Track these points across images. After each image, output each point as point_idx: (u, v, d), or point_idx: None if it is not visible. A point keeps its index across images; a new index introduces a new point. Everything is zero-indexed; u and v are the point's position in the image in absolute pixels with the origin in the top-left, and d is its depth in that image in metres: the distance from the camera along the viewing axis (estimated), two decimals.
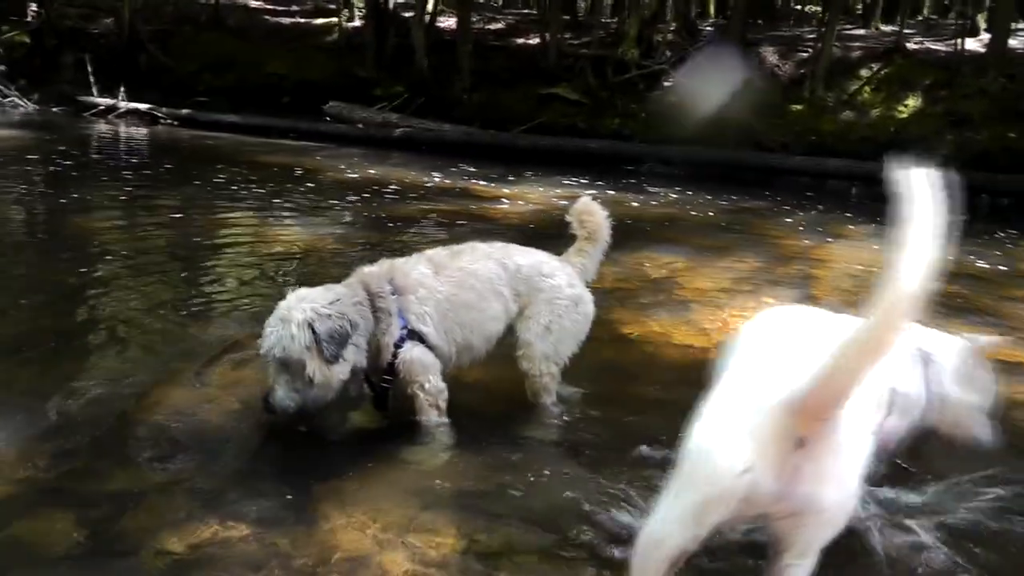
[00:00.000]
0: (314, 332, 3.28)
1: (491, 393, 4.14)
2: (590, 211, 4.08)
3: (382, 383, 3.62)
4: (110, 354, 4.43)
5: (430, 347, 3.59)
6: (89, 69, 16.10)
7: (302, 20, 21.31)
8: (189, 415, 3.71)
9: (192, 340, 4.65)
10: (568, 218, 4.11)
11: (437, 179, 11.24)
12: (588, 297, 3.98)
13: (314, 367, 3.30)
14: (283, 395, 3.32)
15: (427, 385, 3.59)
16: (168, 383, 4.04)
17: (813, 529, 2.16)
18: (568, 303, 3.87)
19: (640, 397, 4.31)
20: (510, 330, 3.89)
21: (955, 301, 6.40)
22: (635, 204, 10.40)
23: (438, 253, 3.85)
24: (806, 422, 1.99)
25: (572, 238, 4.11)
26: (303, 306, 3.34)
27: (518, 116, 15.89)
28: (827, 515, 2.14)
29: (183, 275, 6.08)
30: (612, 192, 11.08)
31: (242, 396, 3.86)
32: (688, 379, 4.34)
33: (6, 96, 16.02)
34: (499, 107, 16.43)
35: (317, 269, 6.16)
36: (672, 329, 5.36)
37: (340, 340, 3.33)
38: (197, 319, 5.05)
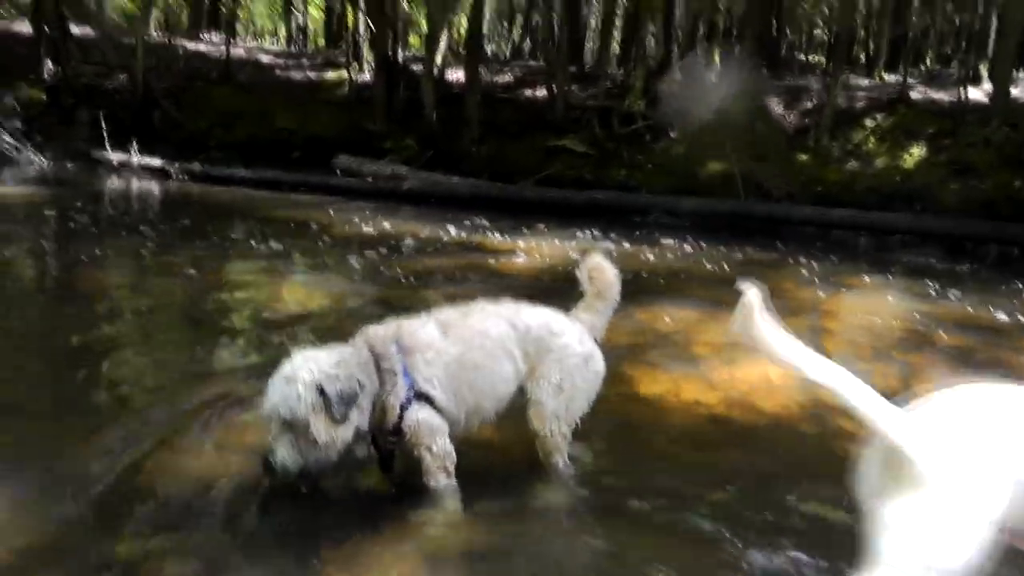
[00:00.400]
0: (322, 393, 3.23)
1: (501, 453, 4.07)
2: (600, 268, 4.04)
3: (388, 444, 3.56)
4: (113, 415, 4.38)
5: (437, 409, 3.53)
6: (103, 125, 16.24)
7: (312, 75, 21.52)
8: (193, 477, 3.67)
9: (197, 400, 4.59)
10: (578, 274, 4.07)
11: (447, 232, 11.23)
12: (598, 355, 3.93)
13: (320, 428, 3.24)
14: (285, 455, 3.25)
15: (434, 448, 3.52)
16: (172, 444, 4.00)
17: None
18: (579, 361, 3.82)
19: (652, 455, 4.25)
20: (520, 390, 3.82)
21: (974, 355, 6.32)
22: (644, 256, 10.35)
23: (446, 313, 3.80)
24: None
25: (582, 294, 4.07)
26: (310, 366, 3.29)
27: (526, 168, 15.93)
28: None
29: (191, 333, 6.04)
30: (620, 244, 11.03)
31: (248, 457, 3.80)
32: (700, 437, 4.48)
33: (21, 152, 16.14)
34: (507, 159, 16.49)
35: (327, 327, 6.11)
36: (684, 385, 5.30)
37: (348, 401, 3.29)
38: (202, 378, 4.99)
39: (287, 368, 3.31)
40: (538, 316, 3.90)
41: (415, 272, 8.47)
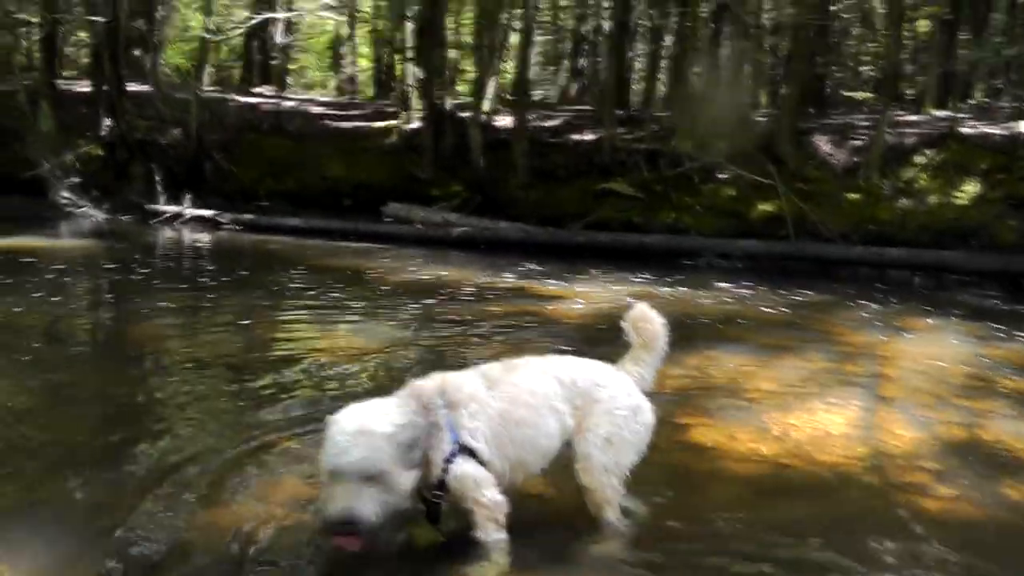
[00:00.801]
0: (398, 442, 3.23)
1: (553, 506, 4.02)
2: (646, 318, 4.02)
3: (433, 498, 3.52)
4: (158, 470, 4.39)
5: (481, 463, 3.49)
6: (157, 178, 16.56)
7: (362, 124, 21.78)
8: (243, 535, 3.66)
9: (246, 455, 4.60)
10: (623, 324, 4.05)
11: (496, 279, 11.23)
12: (647, 406, 3.87)
13: (401, 477, 3.25)
14: (372, 509, 3.18)
15: (483, 499, 3.47)
16: (221, 501, 4.01)
17: None
18: (627, 413, 3.77)
19: (707, 507, 4.17)
20: (568, 444, 3.76)
21: None
22: (696, 300, 10.26)
23: (492, 367, 3.80)
24: None
25: (628, 345, 4.02)
26: (380, 417, 3.30)
27: (575, 212, 15.88)
28: None
29: (241, 385, 6.02)
30: (671, 288, 10.96)
31: (292, 510, 3.85)
32: (759, 488, 4.42)
33: (79, 207, 16.51)
34: (556, 203, 16.46)
35: (379, 376, 6.14)
36: (738, 434, 5.21)
37: (415, 447, 3.31)
38: (251, 430, 4.99)
39: (354, 421, 3.28)
40: (584, 369, 3.87)
41: (466, 320, 8.45)
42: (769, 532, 3.89)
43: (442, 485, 3.45)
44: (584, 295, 10.16)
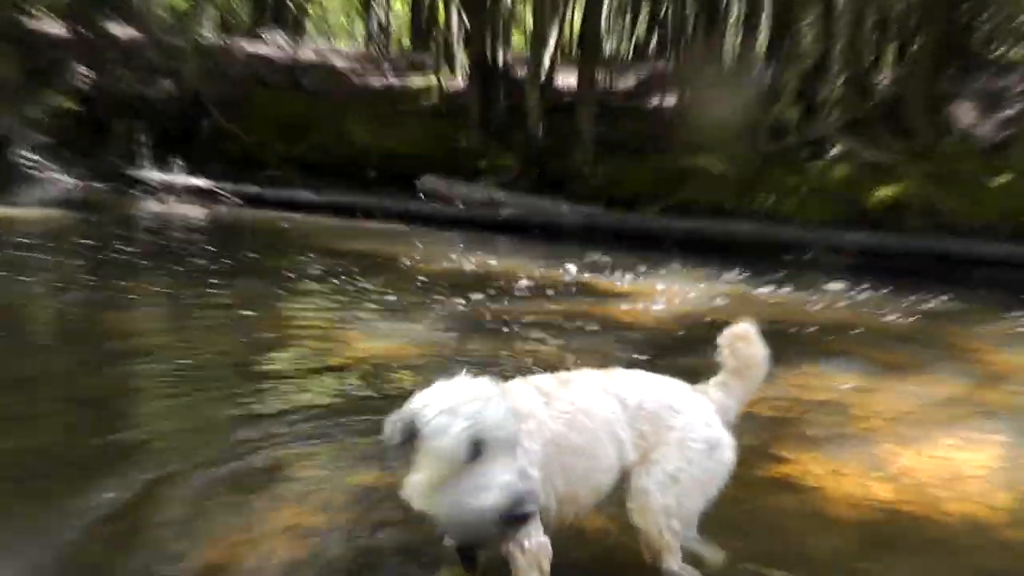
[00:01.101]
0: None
1: (606, 550, 4.01)
2: (746, 340, 3.98)
3: None
4: (135, 493, 4.40)
5: None
6: (143, 140, 16.72)
7: (394, 81, 21.82)
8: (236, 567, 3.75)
9: (239, 475, 4.65)
10: (719, 341, 4.00)
11: (553, 271, 11.25)
12: (728, 441, 3.80)
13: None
14: (514, 481, 3.07)
15: (527, 542, 3.41)
16: (206, 532, 4.04)
17: None
18: (703, 447, 3.71)
19: (806, 560, 4.10)
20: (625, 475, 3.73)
21: None
22: (797, 304, 10.17)
23: (544, 380, 3.76)
24: None
25: (718, 365, 3.96)
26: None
27: (651, 192, 15.84)
28: None
29: (235, 390, 6.05)
30: (768, 289, 10.88)
31: (311, 539, 3.93)
32: (869, 538, 4.37)
33: (45, 171, 16.68)
34: (628, 182, 16.45)
35: (403, 390, 6.04)
36: (845, 470, 5.15)
37: None
38: (247, 446, 5.03)
39: (485, 387, 3.24)
40: (654, 389, 3.82)
41: (513, 319, 8.46)
42: None
43: None
44: (660, 294, 10.11)
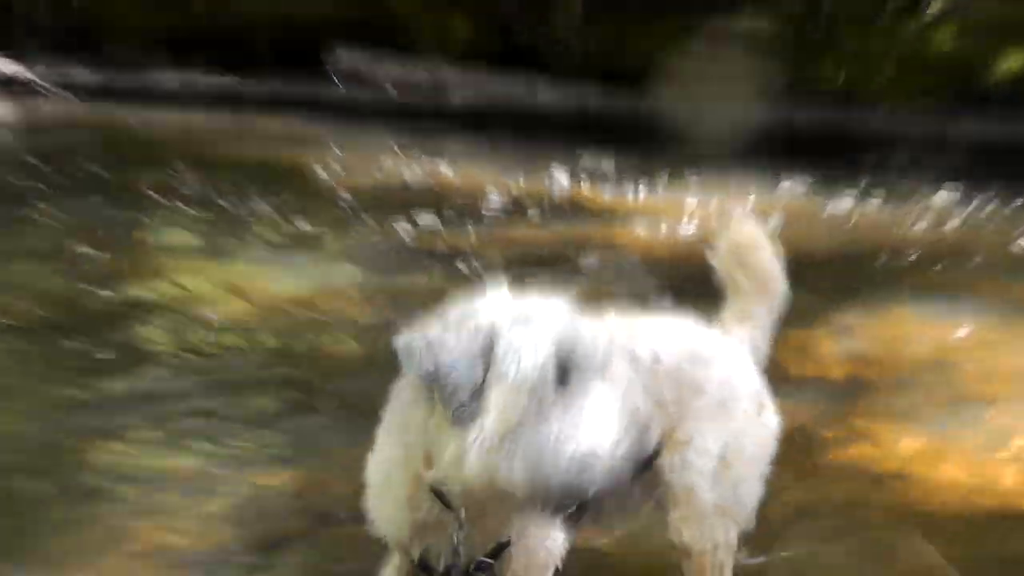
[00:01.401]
0: None
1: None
2: (752, 242, 3.96)
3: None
4: None
5: None
6: None
7: None
8: None
9: (77, 471, 4.70)
10: (715, 253, 3.98)
11: (530, 181, 11.28)
12: (768, 394, 3.77)
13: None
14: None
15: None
16: (43, 564, 4.06)
17: None
18: (750, 408, 3.68)
19: (889, 570, 4.14)
20: (646, 467, 3.67)
21: None
22: (886, 224, 10.23)
23: None
24: None
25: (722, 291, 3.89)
26: None
27: (662, 66, 15.81)
28: None
29: (62, 346, 6.14)
30: (843, 202, 10.97)
31: (180, 568, 3.98)
32: (982, 542, 4.41)
33: None
34: (628, 53, 16.40)
35: (297, 351, 6.31)
36: (951, 452, 5.16)
37: None
38: (76, 415, 5.16)
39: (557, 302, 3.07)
40: (677, 336, 3.73)
41: (478, 252, 8.47)
42: None
43: None
44: (690, 213, 10.11)
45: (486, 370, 2.79)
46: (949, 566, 4.19)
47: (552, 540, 3.37)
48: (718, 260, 3.98)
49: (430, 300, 6.76)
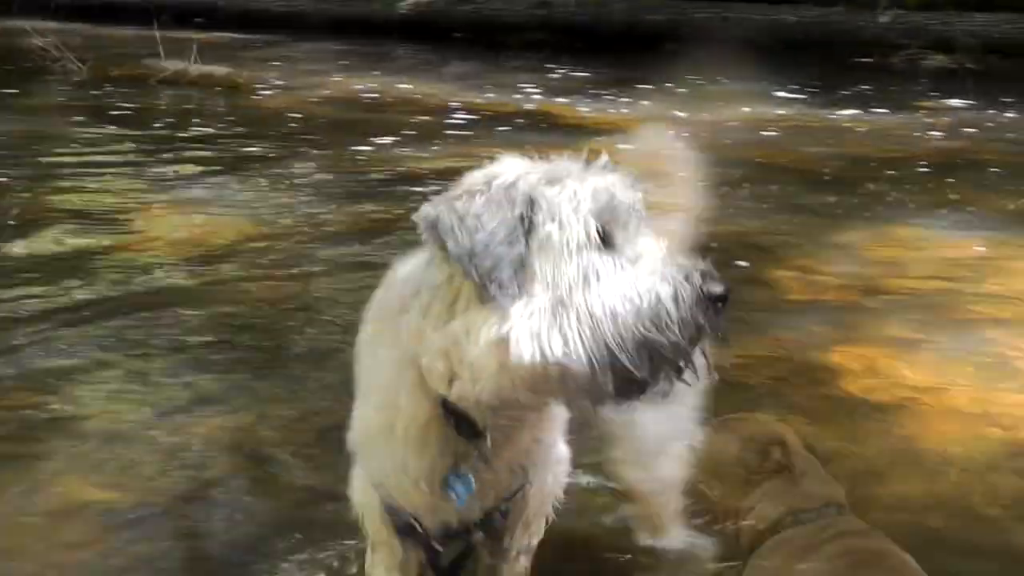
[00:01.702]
0: None
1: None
2: (663, 154, 3.84)
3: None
4: None
5: None
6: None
7: None
8: None
9: None
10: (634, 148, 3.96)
11: (489, 97, 11.03)
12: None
13: None
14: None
15: None
16: None
17: None
18: None
19: (888, 527, 3.56)
20: None
21: None
22: (892, 133, 9.95)
23: None
24: None
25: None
26: None
27: None
28: None
29: None
30: (845, 111, 10.71)
31: (105, 528, 3.82)
32: (994, 486, 4.25)
33: None
34: None
35: (242, 292, 6.18)
36: (957, 381, 4.96)
37: None
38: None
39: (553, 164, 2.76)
40: None
41: (436, 175, 7.93)
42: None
43: None
44: (677, 126, 9.51)
45: (526, 239, 2.52)
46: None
47: (561, 466, 3.22)
48: (637, 149, 3.98)
49: (370, 229, 6.58)
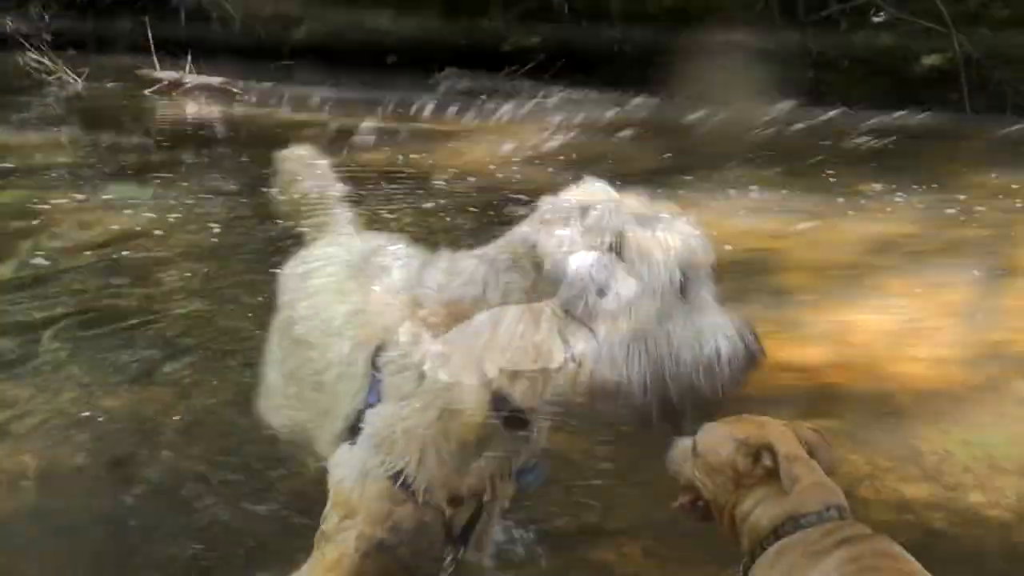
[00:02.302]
0: None
1: None
2: (301, 166, 4.59)
3: None
4: None
5: None
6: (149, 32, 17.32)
7: None
8: None
9: None
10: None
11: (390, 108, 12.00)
12: None
13: None
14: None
15: None
16: None
17: None
18: None
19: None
20: None
21: None
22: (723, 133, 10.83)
23: None
24: None
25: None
26: None
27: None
28: None
29: None
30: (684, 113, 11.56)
31: (42, 496, 4.24)
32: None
33: (51, 73, 17.32)
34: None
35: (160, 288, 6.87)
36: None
37: None
38: None
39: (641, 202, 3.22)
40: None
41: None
42: None
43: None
44: (520, 133, 10.97)
45: (613, 271, 2.85)
46: None
47: None
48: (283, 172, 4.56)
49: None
